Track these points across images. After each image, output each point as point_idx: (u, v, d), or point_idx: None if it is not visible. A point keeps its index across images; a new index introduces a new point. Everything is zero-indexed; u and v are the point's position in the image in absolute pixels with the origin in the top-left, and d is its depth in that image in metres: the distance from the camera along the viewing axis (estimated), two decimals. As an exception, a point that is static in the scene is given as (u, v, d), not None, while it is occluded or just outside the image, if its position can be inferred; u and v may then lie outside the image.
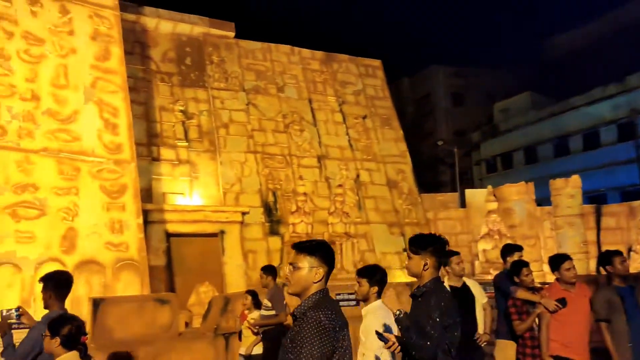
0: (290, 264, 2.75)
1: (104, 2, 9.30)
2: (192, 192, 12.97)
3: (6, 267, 7.32)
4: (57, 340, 3.18)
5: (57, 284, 3.90)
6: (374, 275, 3.92)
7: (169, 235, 11.82)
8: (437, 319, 3.05)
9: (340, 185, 13.96)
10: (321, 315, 2.52)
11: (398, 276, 14.16)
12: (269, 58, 15.77)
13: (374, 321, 3.70)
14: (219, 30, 15.18)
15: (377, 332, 3.29)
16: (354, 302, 8.22)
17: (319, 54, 16.67)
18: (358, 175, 15.35)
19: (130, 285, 8.10)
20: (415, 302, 3.29)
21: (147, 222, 11.08)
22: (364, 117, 16.32)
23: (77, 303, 7.67)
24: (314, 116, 15.56)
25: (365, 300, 3.95)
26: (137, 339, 6.12)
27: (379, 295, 3.91)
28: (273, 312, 6.05)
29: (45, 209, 7.83)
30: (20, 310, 4.01)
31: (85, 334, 3.37)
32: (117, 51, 9.11)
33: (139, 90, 13.26)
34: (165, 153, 13.05)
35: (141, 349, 5.85)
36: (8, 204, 7.59)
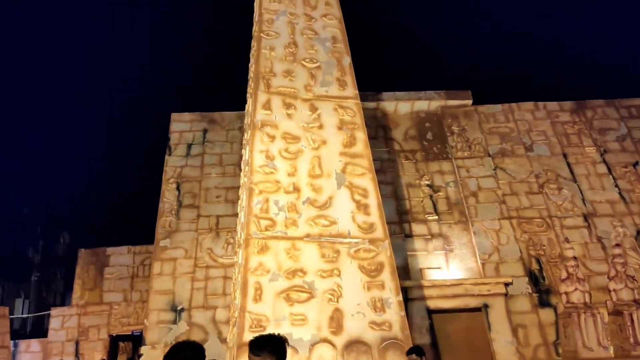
0: None
1: (346, 94, 10.02)
2: (448, 265, 12.55)
3: (284, 349, 7.79)
4: None
5: None
6: None
7: (430, 312, 11.50)
8: None
9: (617, 245, 11.99)
10: None
11: None
12: (511, 118, 15.01)
13: None
14: (456, 101, 15.10)
15: None
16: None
17: (568, 104, 15.26)
18: (639, 232, 13.08)
19: (397, 365, 7.89)
20: None
21: (407, 300, 10.99)
22: (636, 164, 14.11)
23: (349, 384, 7.75)
24: (571, 171, 14.03)
25: None
26: None
27: None
28: None
29: (313, 292, 8.28)
30: None
31: None
32: (361, 136, 9.59)
33: (386, 171, 13.74)
34: (417, 228, 13.03)
35: None
36: (282, 289, 8.24)
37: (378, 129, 14.53)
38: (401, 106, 14.91)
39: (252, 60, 11.53)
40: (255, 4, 12.26)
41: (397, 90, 14.99)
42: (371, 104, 14.53)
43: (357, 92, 10.08)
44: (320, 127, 9.53)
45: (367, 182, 9.22)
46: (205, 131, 14.70)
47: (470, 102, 15.15)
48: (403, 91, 15.09)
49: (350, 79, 10.17)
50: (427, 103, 14.99)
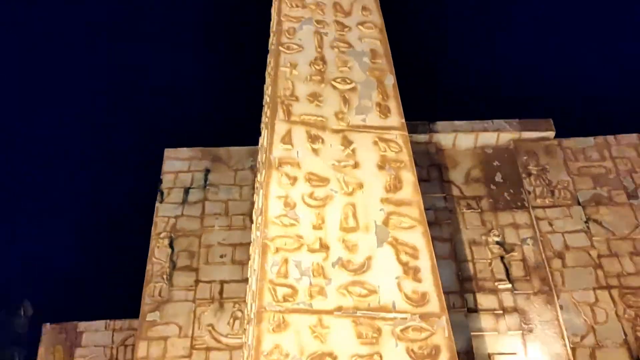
0: None
1: (390, 124, 10.05)
2: (527, 350, 12.25)
3: None
4: None
5: None
6: None
7: (503, 414, 11.16)
8: None
9: None
10: None
11: None
12: (608, 155, 14.83)
13: None
14: (534, 132, 15.05)
15: None
16: None
17: (687, 136, 15.10)
18: None
19: None
20: None
21: (471, 397, 10.68)
22: None
23: None
24: (693, 226, 13.72)
25: None
26: None
27: None
28: None
29: (346, 384, 8.09)
30: None
31: None
32: (409, 178, 9.54)
33: (441, 223, 13.62)
34: (484, 300, 12.81)
35: None
36: (305, 379, 8.06)
37: (431, 169, 14.49)
38: (461, 139, 14.92)
39: (267, 80, 11.70)
40: (272, 9, 12.55)
41: (456, 118, 15.04)
42: (422, 137, 14.58)
43: (403, 120, 10.09)
44: (356, 165, 9.52)
45: (418, 237, 9.10)
46: (207, 171, 14.88)
47: (552, 133, 15.07)
48: (463, 120, 15.13)
49: (394, 103, 10.22)
50: (496, 135, 14.95)
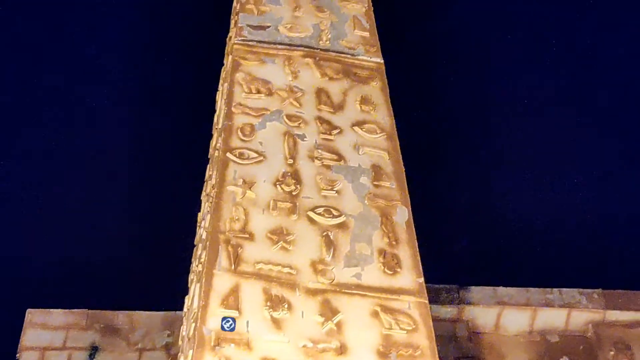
0: None
1: (399, 285, 10.00)
2: None
3: None
4: None
5: None
6: None
7: None
8: None
9: None
10: None
11: None
12: None
13: None
14: (626, 312, 15.20)
15: None
16: None
17: None
18: None
19: None
20: None
21: None
22: None
23: None
24: None
25: None
26: None
27: None
28: None
29: None
30: None
31: None
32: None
33: None
34: None
35: None
36: None
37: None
38: (509, 318, 15.00)
39: (204, 206, 11.75)
40: (218, 95, 12.85)
41: (503, 282, 15.10)
42: (448, 310, 14.56)
43: (422, 280, 10.08)
44: (342, 350, 9.39)
45: None
46: (93, 350, 14.63)
47: None
48: (514, 285, 15.18)
49: (408, 252, 10.26)
50: (566, 314, 15.01)
